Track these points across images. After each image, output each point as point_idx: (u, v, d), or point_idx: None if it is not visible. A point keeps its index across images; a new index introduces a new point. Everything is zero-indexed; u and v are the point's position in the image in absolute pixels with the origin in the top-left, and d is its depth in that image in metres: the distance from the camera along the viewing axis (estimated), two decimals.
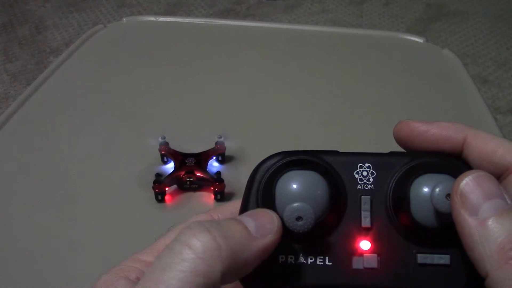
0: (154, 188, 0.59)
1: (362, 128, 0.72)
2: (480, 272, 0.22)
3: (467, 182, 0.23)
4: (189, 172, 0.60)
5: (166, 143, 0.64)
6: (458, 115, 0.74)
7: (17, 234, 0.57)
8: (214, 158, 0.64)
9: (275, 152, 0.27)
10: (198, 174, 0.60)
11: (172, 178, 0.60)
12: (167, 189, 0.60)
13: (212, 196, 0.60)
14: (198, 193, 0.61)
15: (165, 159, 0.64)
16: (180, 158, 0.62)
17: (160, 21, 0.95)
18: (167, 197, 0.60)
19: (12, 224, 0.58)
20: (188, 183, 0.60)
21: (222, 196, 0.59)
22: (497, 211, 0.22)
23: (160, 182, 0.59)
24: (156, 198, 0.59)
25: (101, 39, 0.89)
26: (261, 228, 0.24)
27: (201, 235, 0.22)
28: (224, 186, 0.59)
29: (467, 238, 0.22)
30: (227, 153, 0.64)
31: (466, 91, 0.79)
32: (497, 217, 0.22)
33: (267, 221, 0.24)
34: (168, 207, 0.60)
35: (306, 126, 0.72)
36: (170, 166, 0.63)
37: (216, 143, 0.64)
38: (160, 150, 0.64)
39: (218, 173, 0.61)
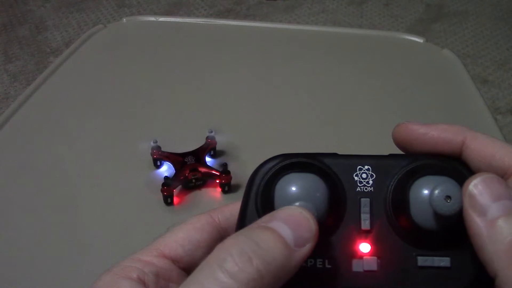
0: (162, 191, 0.58)
1: (362, 129, 0.72)
2: (489, 272, 0.22)
3: (476, 184, 0.23)
4: (193, 170, 0.60)
5: (158, 147, 0.63)
6: (458, 116, 0.74)
7: (17, 233, 0.57)
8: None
9: (273, 154, 0.27)
10: (203, 170, 0.60)
11: (179, 179, 0.60)
12: (174, 191, 0.59)
13: (219, 189, 0.60)
14: (203, 190, 0.61)
15: (158, 163, 0.64)
16: (180, 159, 0.62)
17: (160, 21, 0.95)
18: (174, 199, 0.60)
19: (12, 224, 0.58)
20: (193, 180, 0.60)
21: (229, 188, 0.60)
22: (505, 212, 0.22)
23: (169, 185, 0.58)
24: (165, 202, 0.59)
25: (101, 39, 0.89)
26: (299, 239, 0.23)
27: (244, 266, 0.21)
28: (231, 177, 0.59)
29: (476, 238, 0.22)
30: (218, 147, 0.65)
31: (466, 91, 0.79)
32: (505, 218, 0.22)
33: (305, 230, 0.23)
34: (177, 209, 0.59)
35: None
36: (163, 170, 0.63)
37: (207, 137, 0.64)
38: (152, 155, 0.63)
39: (225, 165, 0.60)
